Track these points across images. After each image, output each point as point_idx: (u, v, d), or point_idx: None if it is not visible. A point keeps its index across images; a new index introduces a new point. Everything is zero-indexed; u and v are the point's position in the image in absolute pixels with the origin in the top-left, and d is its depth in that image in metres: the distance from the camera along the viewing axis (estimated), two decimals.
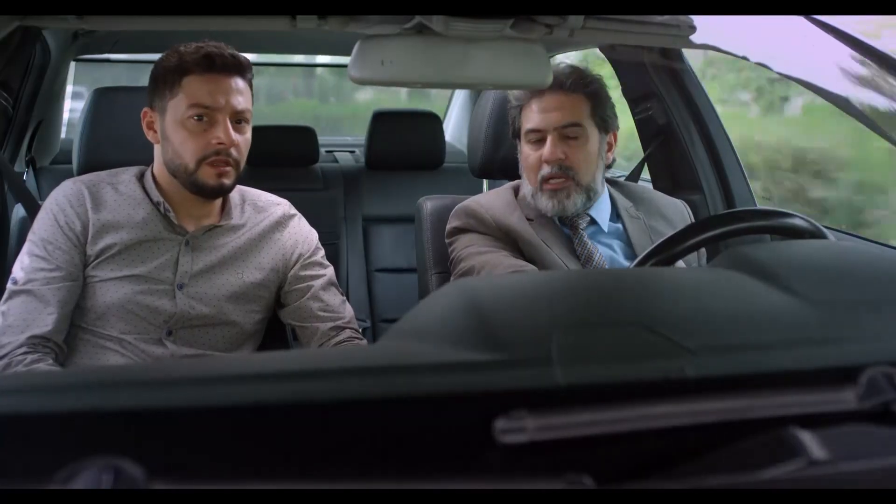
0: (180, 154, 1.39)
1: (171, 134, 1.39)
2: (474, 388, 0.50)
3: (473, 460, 0.48)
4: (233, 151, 1.39)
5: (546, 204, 1.54)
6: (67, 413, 0.46)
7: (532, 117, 1.55)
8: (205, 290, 1.43)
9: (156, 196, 1.43)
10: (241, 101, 1.39)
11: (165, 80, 1.39)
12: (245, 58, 1.42)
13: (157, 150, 1.45)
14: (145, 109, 1.43)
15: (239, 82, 1.40)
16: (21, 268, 1.38)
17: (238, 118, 1.40)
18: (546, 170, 1.53)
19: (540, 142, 1.55)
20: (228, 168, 1.39)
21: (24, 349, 1.31)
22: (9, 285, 1.37)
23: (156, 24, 1.36)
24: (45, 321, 1.34)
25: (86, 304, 1.39)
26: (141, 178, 1.47)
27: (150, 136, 1.44)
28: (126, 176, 1.47)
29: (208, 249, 1.45)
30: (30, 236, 1.40)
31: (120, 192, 1.43)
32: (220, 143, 1.37)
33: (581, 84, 1.54)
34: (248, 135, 1.43)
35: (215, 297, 1.43)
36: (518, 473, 0.46)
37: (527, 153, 1.57)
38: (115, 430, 0.46)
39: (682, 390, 0.51)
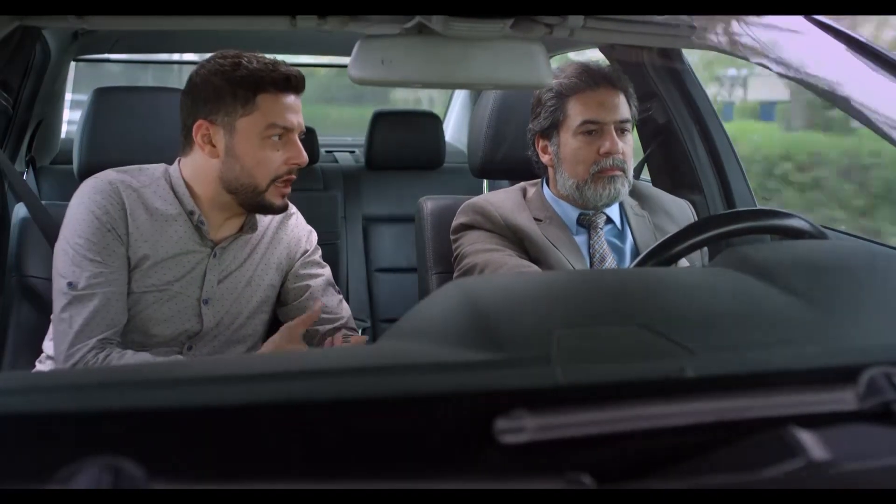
0: (252, 174, 1.35)
1: (244, 153, 1.35)
2: (474, 387, 0.50)
3: (473, 460, 0.48)
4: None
5: (602, 192, 1.52)
6: (67, 413, 0.46)
7: (589, 109, 1.53)
8: (228, 301, 1.42)
9: (189, 205, 1.39)
10: (302, 118, 1.39)
11: (235, 95, 1.33)
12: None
13: (204, 163, 1.38)
14: (200, 122, 1.35)
15: (299, 100, 1.39)
16: (75, 272, 1.32)
17: (300, 136, 1.39)
18: (606, 162, 1.51)
19: (594, 133, 1.53)
20: (289, 186, 1.39)
21: (94, 351, 1.29)
22: (66, 290, 1.32)
23: (156, 24, 1.36)
24: (114, 325, 1.32)
25: None
26: (167, 179, 1.41)
27: (207, 150, 1.36)
28: (153, 177, 1.42)
29: (231, 260, 1.43)
30: (74, 239, 1.34)
31: (152, 199, 1.38)
32: (295, 164, 1.37)
33: (625, 83, 1.56)
34: None
35: (236, 307, 1.43)
36: (518, 473, 0.46)
37: (577, 145, 1.53)
38: (116, 430, 0.46)
39: (682, 390, 0.51)
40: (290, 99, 1.36)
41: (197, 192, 1.40)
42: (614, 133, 1.52)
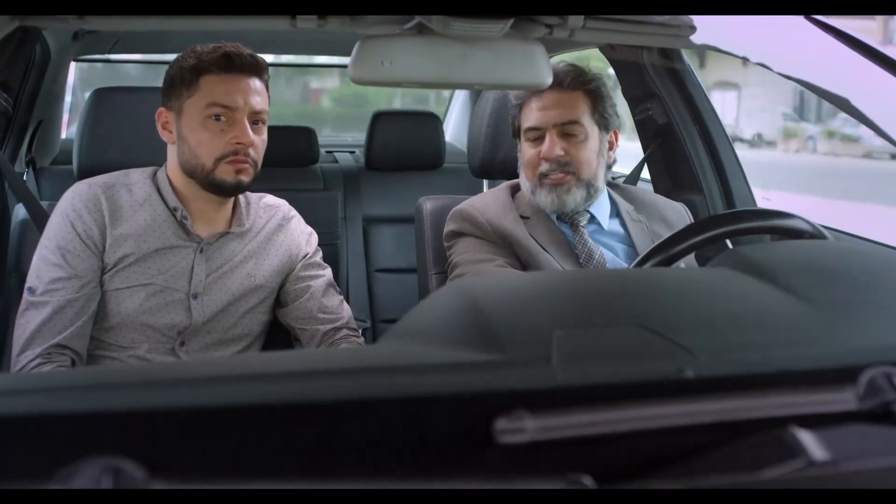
0: (197, 154, 1.37)
1: (188, 134, 1.38)
2: (474, 388, 0.50)
3: (473, 460, 0.48)
4: (251, 151, 1.38)
5: (545, 199, 1.53)
6: (67, 413, 0.46)
7: (531, 115, 1.55)
8: (220, 298, 1.42)
9: (172, 201, 1.41)
10: (259, 101, 1.39)
11: (182, 79, 1.37)
12: (262, 58, 1.41)
13: (172, 151, 1.43)
14: (160, 110, 1.41)
15: (256, 83, 1.39)
16: (37, 276, 1.35)
17: (255, 119, 1.39)
18: (545, 166, 1.52)
19: (539, 139, 1.54)
20: (246, 166, 1.38)
21: (38, 360, 1.30)
22: (25, 295, 1.36)
23: (156, 25, 1.37)
24: (65, 331, 1.32)
25: (98, 313, 1.37)
26: (154, 179, 1.45)
27: (165, 136, 1.42)
28: (139, 177, 1.44)
29: (221, 257, 1.44)
30: (45, 242, 1.38)
31: (135, 197, 1.41)
32: (238, 143, 1.36)
33: (580, 82, 1.54)
34: (265, 135, 1.42)
35: (229, 304, 1.43)
36: (518, 474, 0.46)
37: (526, 150, 1.57)
38: (116, 430, 0.46)
39: (682, 390, 0.51)
40: (236, 79, 1.37)
41: (175, 185, 1.43)
42: (553, 137, 1.52)
